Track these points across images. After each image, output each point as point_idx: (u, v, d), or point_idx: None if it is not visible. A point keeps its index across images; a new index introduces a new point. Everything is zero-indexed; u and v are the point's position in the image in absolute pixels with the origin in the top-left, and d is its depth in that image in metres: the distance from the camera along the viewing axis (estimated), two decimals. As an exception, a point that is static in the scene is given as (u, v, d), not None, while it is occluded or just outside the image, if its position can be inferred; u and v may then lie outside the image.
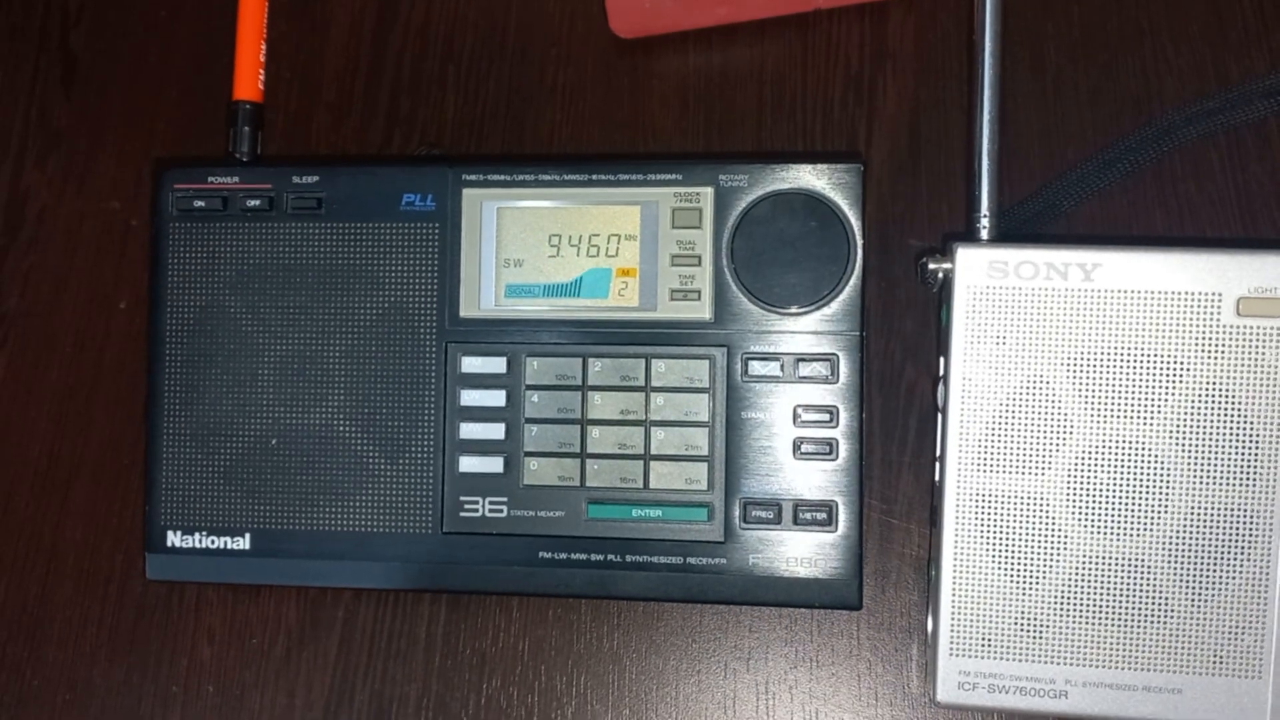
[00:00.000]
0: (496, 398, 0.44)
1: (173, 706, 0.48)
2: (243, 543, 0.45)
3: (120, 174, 0.53)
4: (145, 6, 0.54)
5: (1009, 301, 0.39)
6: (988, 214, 0.42)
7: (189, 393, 0.46)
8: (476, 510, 0.44)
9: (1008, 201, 0.46)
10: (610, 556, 0.43)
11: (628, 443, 0.43)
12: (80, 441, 0.50)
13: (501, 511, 0.44)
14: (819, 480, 0.42)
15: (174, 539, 0.46)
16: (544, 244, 0.44)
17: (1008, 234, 0.43)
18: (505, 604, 0.47)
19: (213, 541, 0.46)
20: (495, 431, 0.44)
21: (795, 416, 0.42)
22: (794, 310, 0.43)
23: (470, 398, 0.44)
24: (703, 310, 0.43)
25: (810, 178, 0.43)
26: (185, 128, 0.53)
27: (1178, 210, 0.46)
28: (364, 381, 0.45)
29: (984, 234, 0.42)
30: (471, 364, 0.44)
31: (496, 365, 0.44)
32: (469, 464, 0.44)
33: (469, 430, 0.44)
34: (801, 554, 0.42)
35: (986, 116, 0.42)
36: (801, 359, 0.43)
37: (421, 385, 0.44)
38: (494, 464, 0.44)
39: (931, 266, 0.41)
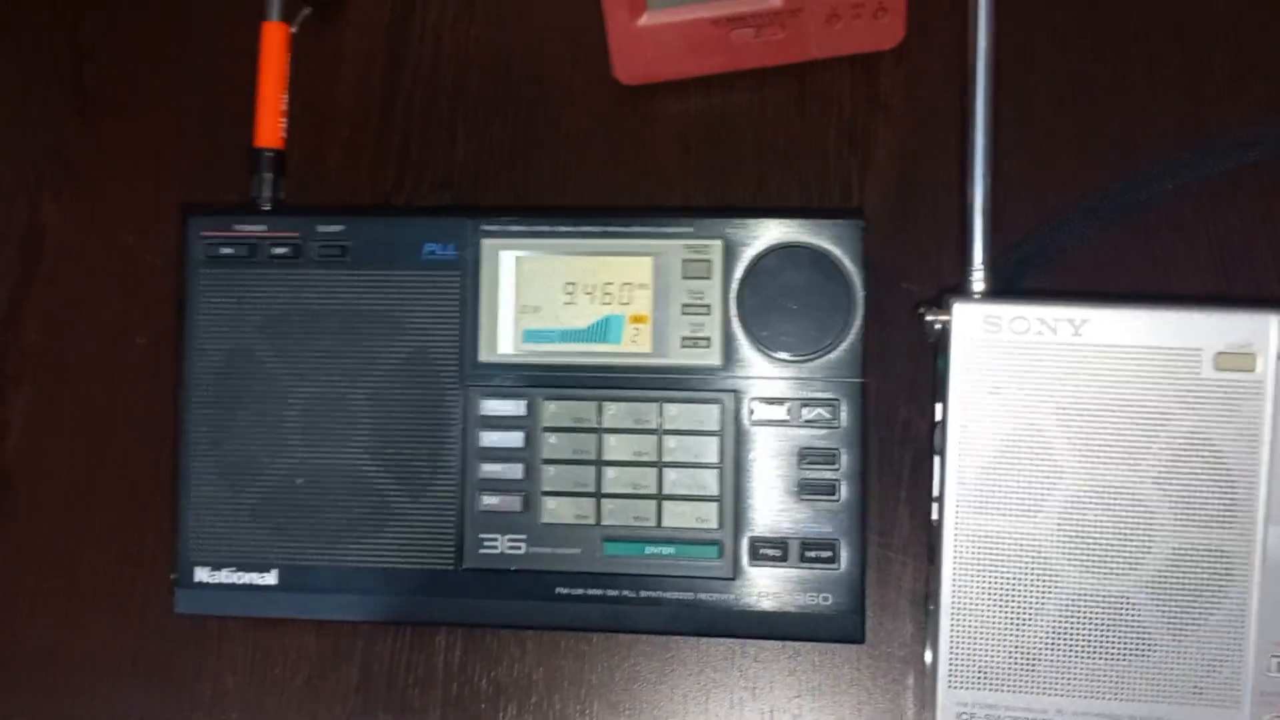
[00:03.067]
0: (515, 439, 0.46)
1: (198, 734, 0.50)
2: (270, 578, 0.47)
3: (136, 208, 0.54)
4: (159, 40, 0.56)
5: (1003, 353, 0.42)
6: (980, 268, 0.44)
7: (217, 433, 0.47)
8: (496, 547, 0.46)
9: (995, 247, 0.48)
10: (625, 592, 0.45)
11: (641, 483, 0.45)
12: (102, 474, 0.52)
13: (520, 549, 0.46)
14: (823, 519, 0.45)
15: (202, 575, 0.48)
16: (560, 291, 0.47)
17: (998, 279, 0.46)
18: (519, 635, 0.49)
19: (240, 577, 0.47)
20: (514, 471, 0.46)
21: (800, 458, 0.45)
22: (798, 358, 0.45)
23: (490, 439, 0.46)
24: (712, 357, 0.46)
25: (813, 232, 0.45)
26: (201, 161, 0.54)
27: (1158, 259, 0.49)
28: (387, 422, 0.47)
29: (978, 286, 0.44)
30: (491, 406, 0.46)
31: (515, 408, 0.46)
32: (488, 502, 0.46)
33: (489, 470, 0.46)
34: (806, 590, 0.45)
35: (979, 175, 0.44)
36: (805, 404, 0.45)
37: (442, 426, 0.47)
38: (513, 503, 0.46)
39: (929, 319, 0.43)
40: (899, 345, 0.48)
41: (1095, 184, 0.50)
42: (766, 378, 0.45)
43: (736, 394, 0.45)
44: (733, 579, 0.45)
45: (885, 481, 0.48)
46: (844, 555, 0.44)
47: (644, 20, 0.49)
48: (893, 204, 0.50)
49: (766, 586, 0.45)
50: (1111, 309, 0.41)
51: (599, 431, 0.46)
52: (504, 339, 0.47)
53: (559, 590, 0.46)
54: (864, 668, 0.47)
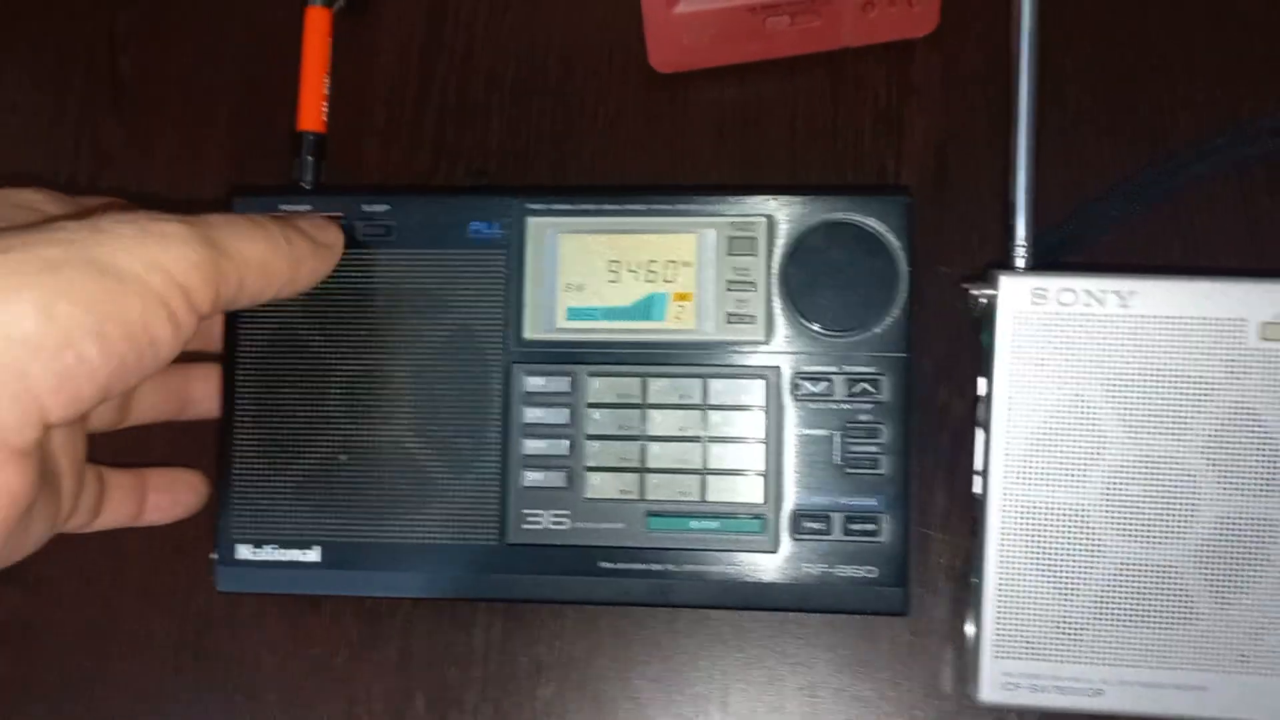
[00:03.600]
0: (559, 415, 0.46)
1: (237, 715, 0.50)
2: (312, 555, 0.47)
3: (172, 196, 0.54)
4: (193, 30, 0.56)
5: (1049, 325, 0.42)
6: (1025, 243, 0.45)
7: (262, 411, 0.48)
8: (539, 523, 0.46)
9: (1037, 230, 0.49)
10: (669, 566, 0.45)
11: (685, 458, 0.46)
12: (145, 452, 0.52)
13: (564, 524, 0.46)
14: (865, 493, 0.45)
15: (245, 552, 0.48)
16: (604, 269, 0.47)
17: (1038, 261, 0.46)
18: (559, 612, 0.49)
19: (283, 554, 0.47)
20: (558, 448, 0.46)
21: (843, 433, 0.45)
22: (842, 333, 0.45)
23: (534, 415, 0.47)
24: (757, 333, 0.46)
25: (860, 209, 0.46)
26: (239, 150, 0.55)
27: (1192, 242, 0.49)
28: (431, 400, 0.47)
29: (1021, 262, 0.45)
30: (535, 383, 0.47)
31: (559, 384, 0.47)
32: (532, 478, 0.46)
33: (532, 446, 0.46)
34: (849, 562, 0.45)
35: (1023, 150, 0.45)
36: (850, 379, 0.45)
37: (487, 403, 0.47)
38: (557, 478, 0.46)
39: (974, 293, 0.44)
40: (937, 329, 0.49)
41: (1130, 169, 0.50)
42: (810, 353, 0.46)
43: (780, 369, 0.46)
44: (776, 552, 0.45)
45: (924, 463, 0.48)
46: (887, 528, 0.45)
47: (680, 8, 0.50)
48: (928, 190, 0.51)
49: (809, 559, 0.45)
50: (1159, 280, 0.42)
51: (643, 407, 0.46)
52: (548, 316, 0.47)
53: (603, 565, 0.46)
54: (903, 643, 0.47)
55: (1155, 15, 0.51)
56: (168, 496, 0.49)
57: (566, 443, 0.46)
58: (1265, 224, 0.49)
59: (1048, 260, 0.48)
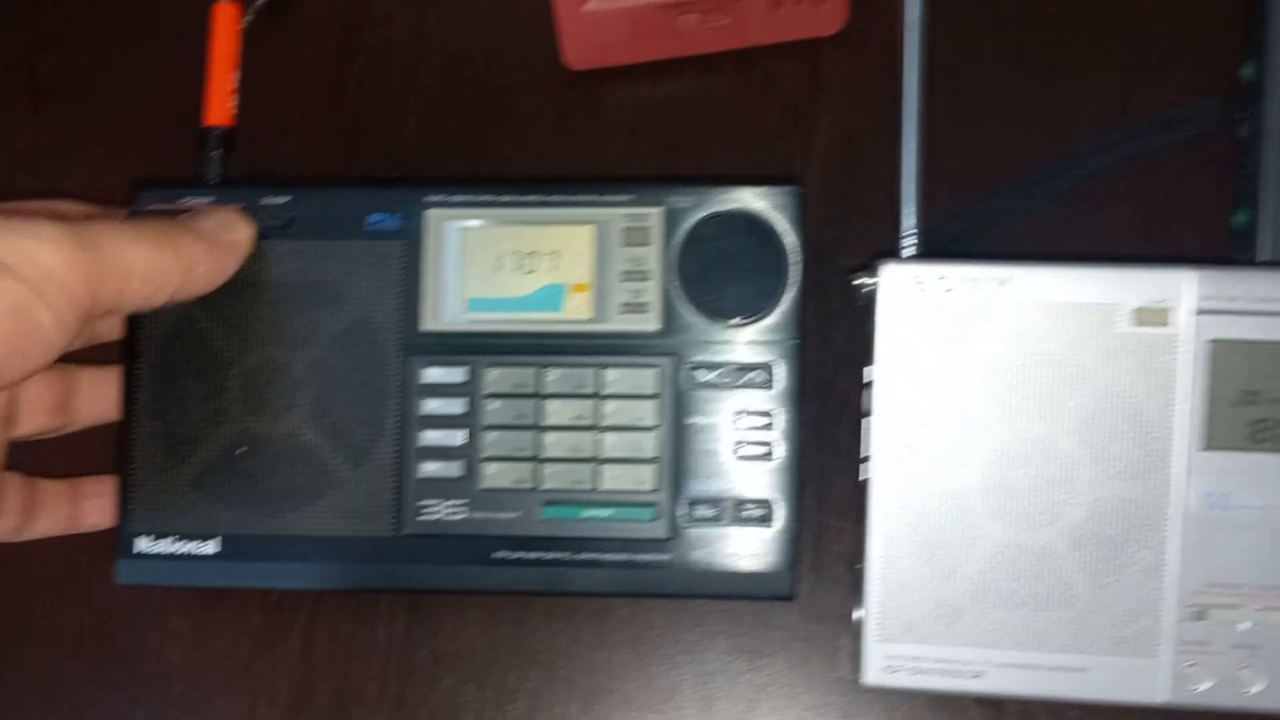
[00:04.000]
0: (457, 406, 0.47)
1: (139, 706, 0.50)
2: (210, 547, 0.47)
3: (90, 193, 0.54)
4: (112, 30, 0.56)
5: (929, 313, 0.43)
6: (912, 233, 0.46)
7: (161, 404, 0.48)
8: (436, 513, 0.47)
9: (929, 224, 0.50)
10: (562, 555, 0.46)
11: (580, 447, 0.46)
12: (46, 445, 0.51)
13: (460, 514, 0.47)
14: (758, 480, 0.45)
15: (143, 544, 0.48)
16: (501, 261, 0.48)
17: (932, 253, 0.47)
18: (461, 604, 0.49)
19: (181, 546, 0.48)
20: (455, 438, 0.47)
21: (736, 421, 0.46)
22: (736, 321, 0.46)
23: (431, 406, 0.47)
24: (652, 322, 0.47)
25: (751, 199, 0.47)
26: (153, 146, 0.55)
27: (1088, 234, 0.50)
28: (329, 392, 0.47)
29: (909, 252, 0.46)
30: (432, 374, 0.47)
31: (457, 375, 0.47)
32: (429, 469, 0.47)
33: (429, 437, 0.47)
34: (741, 549, 0.45)
35: (910, 142, 0.46)
36: (742, 367, 0.46)
37: (384, 395, 0.47)
38: (453, 469, 0.47)
39: (857, 282, 0.45)
40: (838, 320, 0.50)
41: (1030, 162, 0.51)
42: (704, 342, 0.46)
43: (675, 358, 0.46)
44: (669, 539, 0.46)
45: (824, 452, 0.49)
46: (778, 514, 0.45)
47: (590, 6, 0.51)
48: (834, 186, 0.52)
49: (702, 546, 0.45)
50: (1033, 267, 0.43)
51: (539, 397, 0.47)
52: (446, 308, 0.47)
53: (497, 554, 0.46)
54: (798, 629, 0.48)
55: (1054, 10, 0.52)
56: (104, 501, 0.49)
57: (463, 433, 0.47)
58: (1158, 217, 0.50)
59: (944, 250, 0.49)
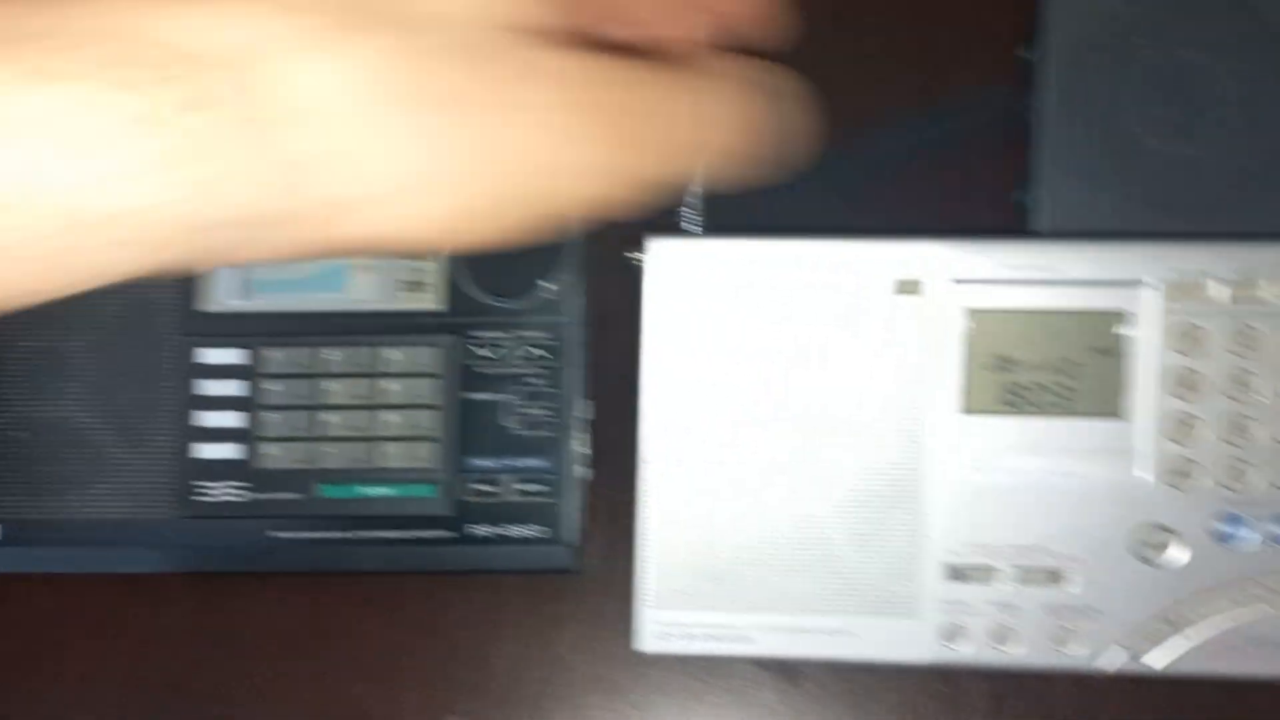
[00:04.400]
0: (236, 387, 0.47)
1: (-78, 700, 0.49)
2: (-9, 533, 0.47)
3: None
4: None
5: (696, 288, 0.44)
6: (688, 211, 0.46)
7: (-68, 389, 0.47)
8: (216, 495, 0.46)
9: (719, 210, 0.50)
10: (342, 534, 0.46)
11: (361, 426, 0.46)
12: None
13: (240, 495, 0.46)
14: (539, 455, 0.46)
15: (-81, 533, 0.47)
16: (282, 241, 0.47)
17: (714, 229, 0.47)
18: (250, 586, 0.49)
19: (-42, 533, 0.47)
20: (234, 420, 0.46)
21: (518, 397, 0.46)
22: (515, 300, 0.46)
23: (211, 388, 0.47)
24: (432, 301, 0.47)
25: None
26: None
27: (883, 211, 0.51)
28: (109, 376, 0.47)
29: (688, 226, 0.46)
30: (211, 355, 0.47)
31: (236, 356, 0.47)
32: (209, 450, 0.46)
33: (209, 419, 0.46)
34: (522, 523, 0.46)
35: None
36: (524, 344, 0.46)
37: (163, 377, 0.47)
38: (233, 450, 0.46)
39: (628, 256, 0.45)
40: (620, 299, 0.49)
41: (826, 143, 0.52)
42: (486, 319, 0.47)
43: (456, 336, 0.46)
44: (451, 516, 0.46)
45: (611, 426, 0.49)
46: (559, 488, 0.46)
47: None
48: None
49: (482, 521, 0.46)
50: (796, 241, 0.44)
51: (319, 377, 0.46)
52: (226, 289, 0.47)
53: (276, 534, 0.46)
54: (583, 603, 0.48)
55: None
56: None
57: (243, 415, 0.46)
58: (951, 193, 0.51)
59: (728, 227, 0.49)
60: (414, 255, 0.23)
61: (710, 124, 0.26)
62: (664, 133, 0.25)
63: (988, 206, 0.51)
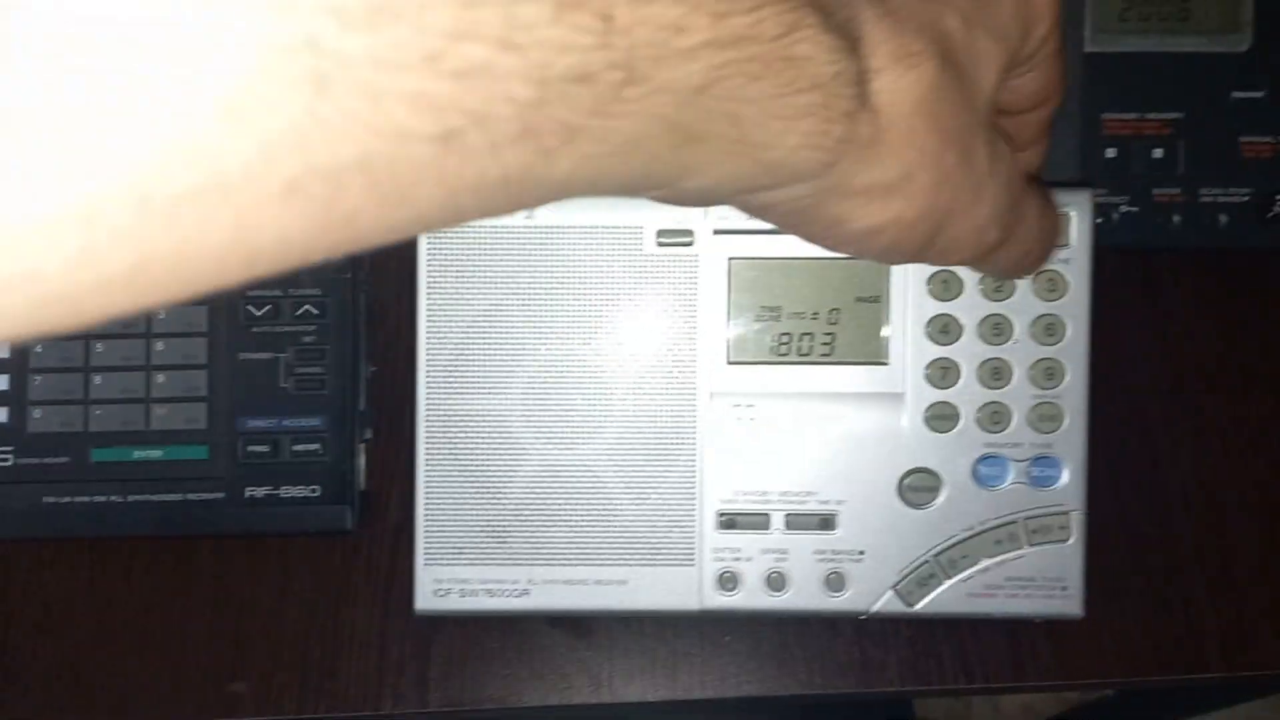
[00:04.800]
0: (-1, 350, 0.45)
1: None
2: None
3: None
4: None
5: (465, 239, 0.44)
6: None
7: None
8: (-18, 460, 0.45)
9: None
10: (114, 497, 0.45)
11: (130, 388, 0.45)
12: None
13: (7, 460, 0.45)
14: (312, 413, 0.45)
15: None
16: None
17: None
18: (23, 553, 0.47)
19: None
20: (-1, 383, 0.45)
21: (290, 354, 0.45)
22: (287, 256, 0.46)
23: (-27, 351, 0.45)
24: (201, 258, 0.46)
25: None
26: None
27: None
28: None
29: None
30: (-26, 317, 0.45)
31: None
32: (-27, 416, 0.45)
33: (-28, 383, 0.45)
34: (296, 483, 0.45)
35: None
36: (294, 300, 0.45)
37: (-78, 340, 0.45)
38: (-2, 414, 0.45)
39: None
40: (404, 265, 0.48)
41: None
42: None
43: (227, 294, 0.45)
44: (223, 478, 0.45)
45: (394, 389, 0.48)
46: (331, 446, 0.45)
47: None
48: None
49: (256, 482, 0.45)
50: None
51: (87, 339, 0.45)
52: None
53: (46, 500, 0.45)
54: (372, 564, 0.48)
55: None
56: None
57: (6, 377, 0.45)
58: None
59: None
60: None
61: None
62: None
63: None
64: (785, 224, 0.24)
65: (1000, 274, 0.28)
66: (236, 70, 0.14)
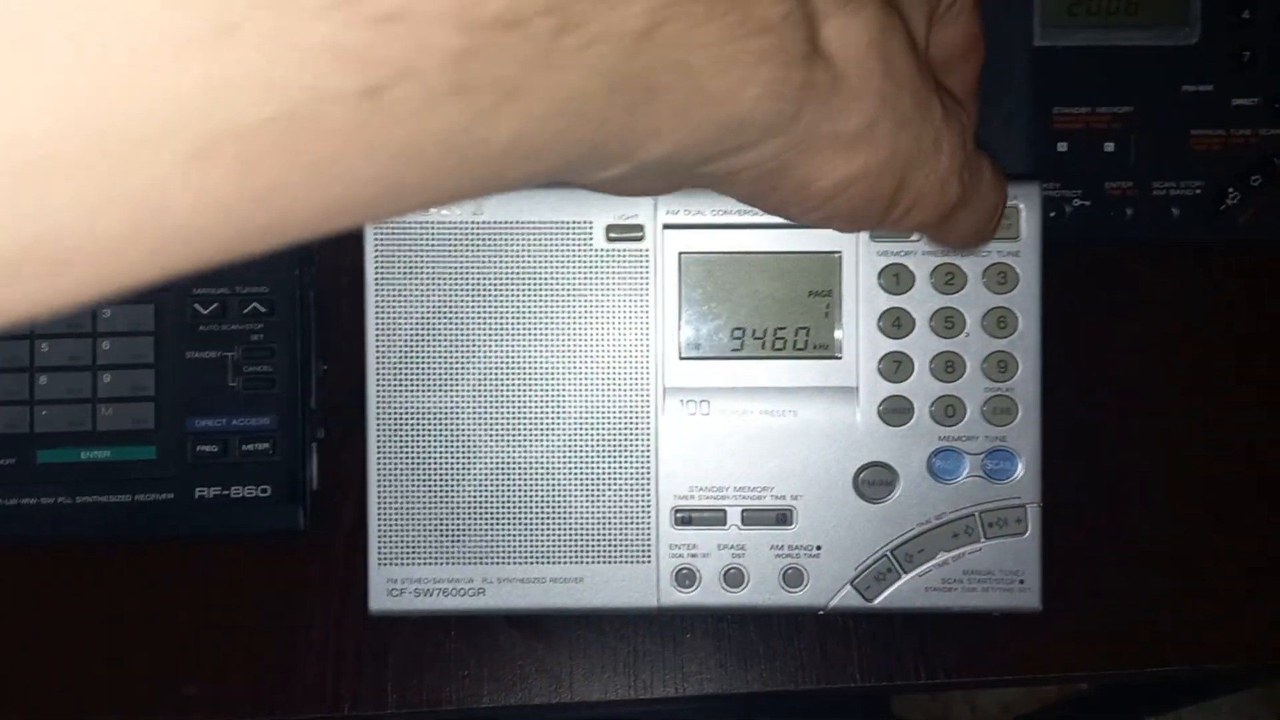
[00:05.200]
0: (-59, 351, 0.44)
1: None
2: None
3: None
4: None
5: (412, 235, 0.43)
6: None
7: None
8: (-75, 464, 0.44)
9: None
10: (61, 499, 0.44)
11: (77, 388, 0.44)
12: None
13: (-50, 463, 0.44)
14: (261, 412, 0.45)
15: None
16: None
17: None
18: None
19: None
20: (-60, 385, 0.44)
21: (239, 353, 0.45)
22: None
23: (-85, 353, 0.44)
24: (149, 257, 0.45)
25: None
26: None
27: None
28: None
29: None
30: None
31: (-58, 319, 0.44)
32: (-85, 418, 0.44)
33: (-86, 385, 0.44)
34: (246, 482, 0.45)
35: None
36: (242, 299, 0.45)
37: None
38: (-59, 417, 0.44)
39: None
40: (352, 262, 0.48)
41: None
42: (203, 276, 0.45)
43: (174, 293, 0.45)
44: (172, 477, 0.44)
45: (344, 387, 0.48)
46: (281, 445, 0.45)
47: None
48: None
49: (205, 483, 0.45)
50: (511, 196, 0.43)
51: (32, 338, 0.45)
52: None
53: (-7, 502, 0.44)
54: (327, 566, 0.47)
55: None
56: None
57: (-50, 379, 0.44)
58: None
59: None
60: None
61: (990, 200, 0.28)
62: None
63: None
64: (752, 194, 0.23)
65: (959, 241, 0.28)
66: (132, 19, 0.13)
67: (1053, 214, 0.49)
